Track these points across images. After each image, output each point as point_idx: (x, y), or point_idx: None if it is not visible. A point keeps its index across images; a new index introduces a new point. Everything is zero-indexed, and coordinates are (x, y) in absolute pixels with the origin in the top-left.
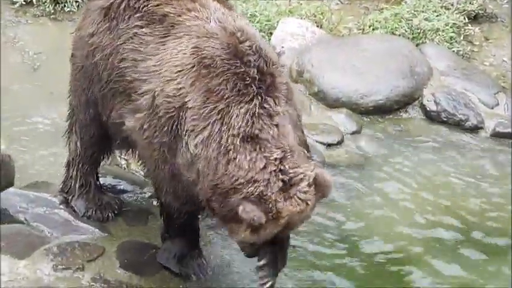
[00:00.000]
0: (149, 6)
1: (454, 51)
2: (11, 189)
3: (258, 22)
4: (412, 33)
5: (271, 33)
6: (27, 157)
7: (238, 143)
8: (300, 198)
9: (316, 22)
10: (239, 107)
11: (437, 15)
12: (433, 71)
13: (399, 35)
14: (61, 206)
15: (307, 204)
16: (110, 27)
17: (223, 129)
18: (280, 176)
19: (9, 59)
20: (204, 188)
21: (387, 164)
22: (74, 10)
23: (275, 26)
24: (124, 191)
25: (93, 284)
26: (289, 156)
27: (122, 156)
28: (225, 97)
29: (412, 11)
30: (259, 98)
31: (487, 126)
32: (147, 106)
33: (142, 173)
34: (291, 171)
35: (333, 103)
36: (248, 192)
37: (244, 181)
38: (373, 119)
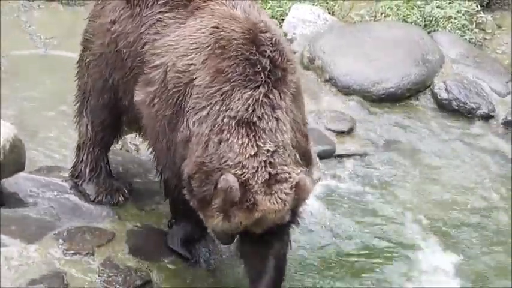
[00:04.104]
0: None
1: (466, 39)
2: (21, 173)
3: (269, 8)
4: (424, 21)
5: (282, 20)
6: (38, 141)
7: (233, 125)
8: (279, 198)
9: (328, 9)
10: (243, 91)
11: (449, 3)
12: (444, 59)
13: (411, 23)
14: (71, 191)
15: (284, 205)
16: (133, 14)
17: (221, 109)
18: (268, 169)
19: (21, 44)
20: (190, 164)
21: (398, 152)
22: None
23: (287, 12)
24: (134, 176)
25: (102, 269)
26: (280, 152)
27: (132, 142)
28: (231, 80)
29: None
30: (266, 87)
31: (498, 115)
32: (159, 80)
33: (151, 158)
34: (279, 167)
35: (344, 90)
36: (235, 175)
37: (233, 164)
38: (384, 107)
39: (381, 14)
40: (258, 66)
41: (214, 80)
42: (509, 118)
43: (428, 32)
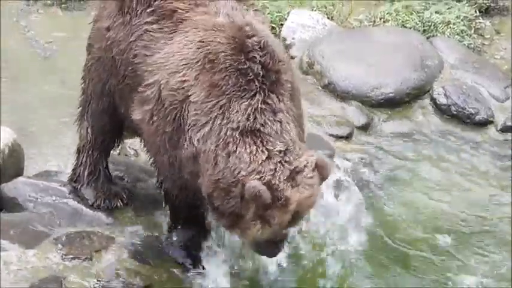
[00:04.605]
0: (160, 0)
1: (464, 44)
2: (20, 178)
3: (268, 13)
4: (423, 26)
5: (281, 25)
6: (37, 146)
7: (237, 136)
8: (307, 184)
9: (327, 14)
10: (240, 102)
11: (448, 8)
12: (443, 64)
13: (410, 28)
14: (70, 195)
15: (313, 189)
16: (124, 22)
17: (222, 123)
18: (286, 166)
19: (20, 48)
20: (205, 184)
21: (396, 157)
22: None
23: (286, 17)
24: (132, 181)
25: (101, 273)
26: (291, 149)
27: (131, 147)
28: (226, 92)
29: (423, 4)
30: (262, 94)
31: (497, 120)
32: (154, 98)
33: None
34: (295, 162)
35: (343, 95)
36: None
37: (247, 173)
38: (383, 112)
39: (380, 19)
40: (250, 74)
41: (209, 94)
42: (508, 123)
43: (427, 38)
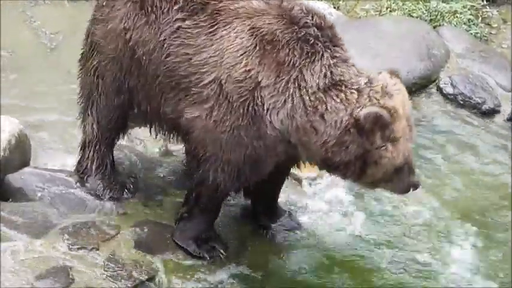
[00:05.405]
0: None
1: (471, 33)
2: (27, 168)
3: None
4: (430, 16)
5: None
6: (44, 137)
7: (321, 95)
8: (397, 90)
9: (333, 4)
10: (312, 67)
11: None
12: (450, 54)
13: (417, 17)
14: (77, 186)
15: (403, 90)
16: (149, 21)
17: (302, 93)
18: (376, 88)
19: (26, 39)
20: (314, 155)
21: None
22: None
23: None
24: (140, 171)
25: (108, 263)
26: (373, 77)
27: (137, 137)
28: (295, 65)
29: None
30: (328, 50)
31: (503, 110)
32: (215, 95)
33: (158, 153)
34: (379, 82)
35: None
36: None
37: (348, 116)
38: None
39: (386, 8)
40: (311, 39)
41: (280, 73)
42: None
43: (434, 27)
